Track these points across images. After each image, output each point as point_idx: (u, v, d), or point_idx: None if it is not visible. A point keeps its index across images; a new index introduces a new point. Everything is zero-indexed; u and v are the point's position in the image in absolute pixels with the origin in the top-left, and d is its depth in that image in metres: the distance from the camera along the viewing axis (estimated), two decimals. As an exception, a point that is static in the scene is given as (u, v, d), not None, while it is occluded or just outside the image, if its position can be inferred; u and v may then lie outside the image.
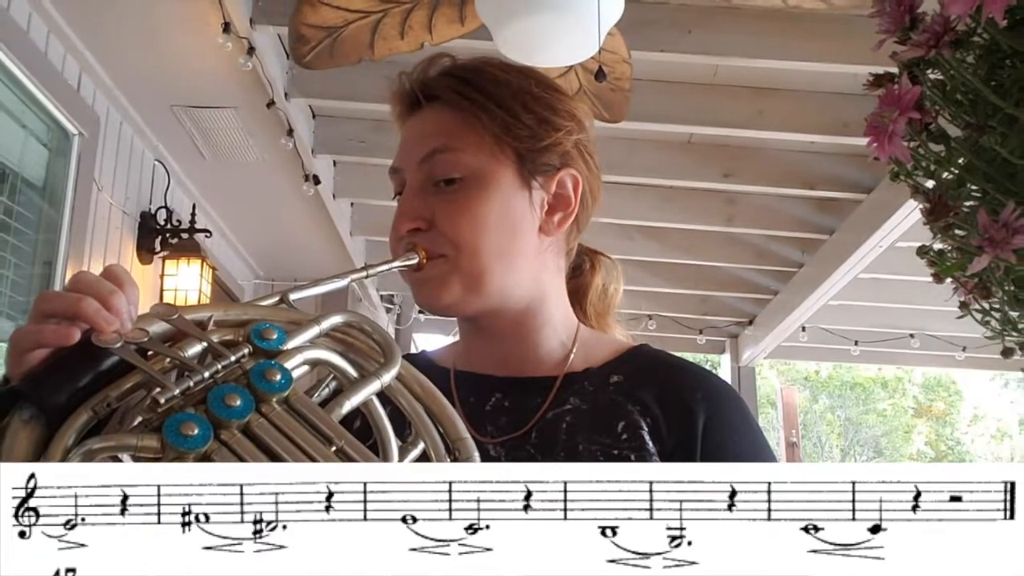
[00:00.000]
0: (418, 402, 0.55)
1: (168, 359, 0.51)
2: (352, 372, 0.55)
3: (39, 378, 0.49)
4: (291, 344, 0.53)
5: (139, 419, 0.47)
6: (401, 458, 0.52)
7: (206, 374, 0.49)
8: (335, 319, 0.58)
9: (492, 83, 0.77)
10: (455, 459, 0.53)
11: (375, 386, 0.54)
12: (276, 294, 0.60)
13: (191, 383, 0.48)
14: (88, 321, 0.51)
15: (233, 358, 0.50)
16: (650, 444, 0.72)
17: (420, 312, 4.83)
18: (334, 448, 0.49)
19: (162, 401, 0.47)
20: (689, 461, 0.71)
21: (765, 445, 0.76)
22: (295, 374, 0.51)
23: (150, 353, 0.51)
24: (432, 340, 5.57)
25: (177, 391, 0.47)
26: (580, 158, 0.80)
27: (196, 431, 0.45)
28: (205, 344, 0.52)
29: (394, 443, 0.53)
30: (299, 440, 0.48)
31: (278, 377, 0.49)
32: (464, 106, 0.76)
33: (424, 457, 0.53)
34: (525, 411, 0.76)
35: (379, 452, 0.52)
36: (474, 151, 0.75)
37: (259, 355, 0.52)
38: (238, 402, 0.47)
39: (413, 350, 5.19)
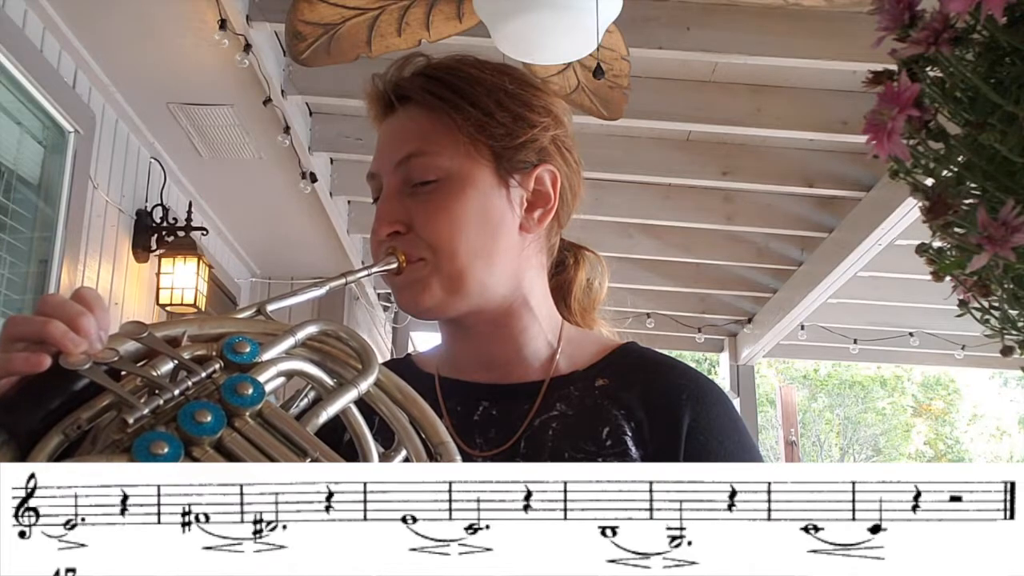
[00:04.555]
0: (399, 408, 0.55)
1: (140, 378, 0.50)
2: (329, 381, 0.55)
3: (9, 403, 0.48)
4: (265, 356, 0.53)
5: (110, 440, 0.47)
6: None
7: (176, 391, 0.48)
8: (310, 329, 0.57)
9: (465, 82, 0.76)
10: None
11: (352, 394, 0.54)
12: (253, 306, 0.60)
13: (161, 401, 0.48)
14: (55, 343, 0.50)
15: (204, 374, 0.50)
16: (633, 450, 0.72)
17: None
18: (309, 459, 0.48)
19: (131, 421, 0.46)
20: (673, 462, 0.71)
21: (752, 446, 0.75)
22: (269, 386, 0.51)
23: (123, 373, 0.51)
24: (431, 339, 5.57)
25: (146, 410, 0.47)
26: (558, 153, 0.80)
27: (166, 449, 0.45)
28: (177, 361, 0.51)
29: (375, 451, 0.52)
30: (273, 453, 0.47)
31: (250, 391, 0.49)
32: (437, 106, 0.75)
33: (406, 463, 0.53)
34: (512, 420, 0.75)
35: (360, 461, 0.52)
36: (449, 152, 0.75)
37: (232, 369, 0.51)
38: (209, 418, 0.47)
39: (411, 349, 5.19)
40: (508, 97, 0.77)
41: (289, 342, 0.56)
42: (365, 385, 0.54)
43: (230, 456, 0.47)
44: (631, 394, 0.75)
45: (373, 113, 0.81)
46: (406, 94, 0.77)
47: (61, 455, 0.48)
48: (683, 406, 0.73)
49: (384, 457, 0.53)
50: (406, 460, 0.53)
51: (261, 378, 0.51)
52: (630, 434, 0.72)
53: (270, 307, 0.60)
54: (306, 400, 0.58)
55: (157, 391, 0.49)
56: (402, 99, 0.78)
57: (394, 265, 0.73)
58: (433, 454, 0.53)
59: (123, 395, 0.48)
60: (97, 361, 0.49)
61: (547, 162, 0.79)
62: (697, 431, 0.72)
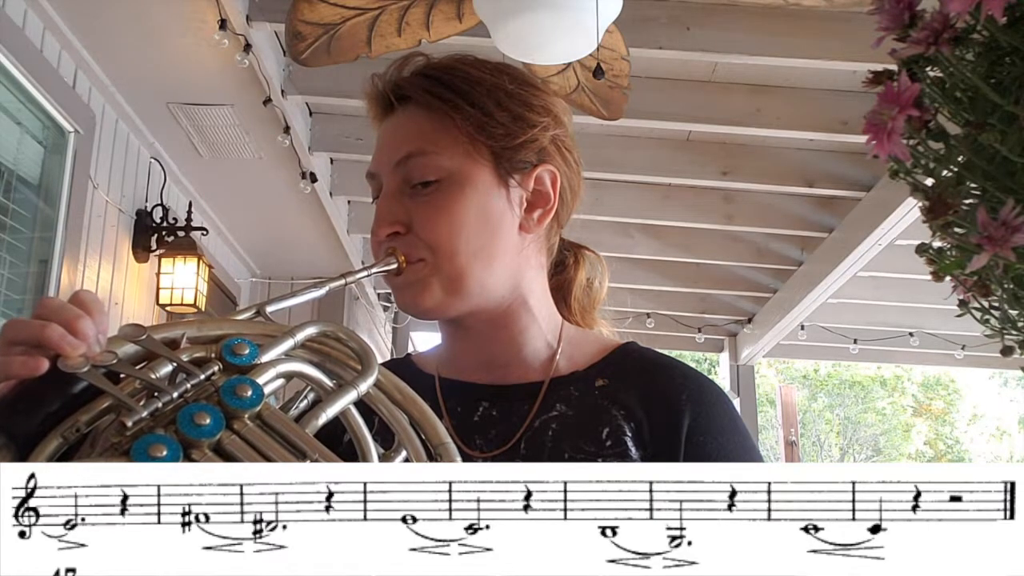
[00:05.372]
0: (398, 408, 0.55)
1: (138, 381, 0.50)
2: (328, 382, 0.55)
3: (8, 407, 0.48)
4: (265, 358, 0.53)
5: (109, 442, 0.47)
6: None
7: (175, 394, 0.48)
8: (310, 330, 0.57)
9: (465, 82, 0.76)
10: None
11: (351, 396, 0.54)
12: (252, 307, 0.60)
13: (160, 404, 0.48)
14: (53, 347, 0.50)
15: (203, 376, 0.50)
16: (633, 450, 0.72)
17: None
18: (308, 461, 0.48)
19: (129, 424, 0.46)
20: (673, 462, 0.71)
21: (752, 446, 0.75)
22: (268, 388, 0.51)
23: (122, 376, 0.51)
24: (431, 339, 5.57)
25: (145, 413, 0.47)
26: (558, 153, 0.80)
27: (165, 452, 0.45)
28: (175, 363, 0.51)
29: (375, 452, 0.52)
30: (271, 455, 0.47)
31: (249, 393, 0.49)
32: (436, 106, 0.75)
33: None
34: (512, 420, 0.75)
35: (360, 462, 0.52)
36: (449, 153, 0.75)
37: (231, 371, 0.51)
38: (207, 420, 0.46)
39: (411, 349, 5.19)
40: (508, 97, 0.77)
41: (288, 343, 0.55)
42: (365, 386, 0.54)
43: (229, 458, 0.47)
44: (631, 394, 0.75)
45: (373, 113, 0.81)
46: (406, 94, 0.77)
47: (60, 458, 0.48)
48: (683, 406, 0.73)
49: (384, 458, 0.53)
50: (406, 461, 0.53)
51: (260, 380, 0.50)
52: (630, 434, 0.72)
53: (269, 308, 0.60)
54: (306, 402, 0.58)
55: (156, 394, 0.49)
56: (402, 99, 0.78)
57: (394, 266, 0.73)
58: (433, 455, 0.53)
59: (121, 398, 0.48)
60: (95, 364, 0.49)
61: (547, 162, 0.79)
62: (697, 431, 0.72)
